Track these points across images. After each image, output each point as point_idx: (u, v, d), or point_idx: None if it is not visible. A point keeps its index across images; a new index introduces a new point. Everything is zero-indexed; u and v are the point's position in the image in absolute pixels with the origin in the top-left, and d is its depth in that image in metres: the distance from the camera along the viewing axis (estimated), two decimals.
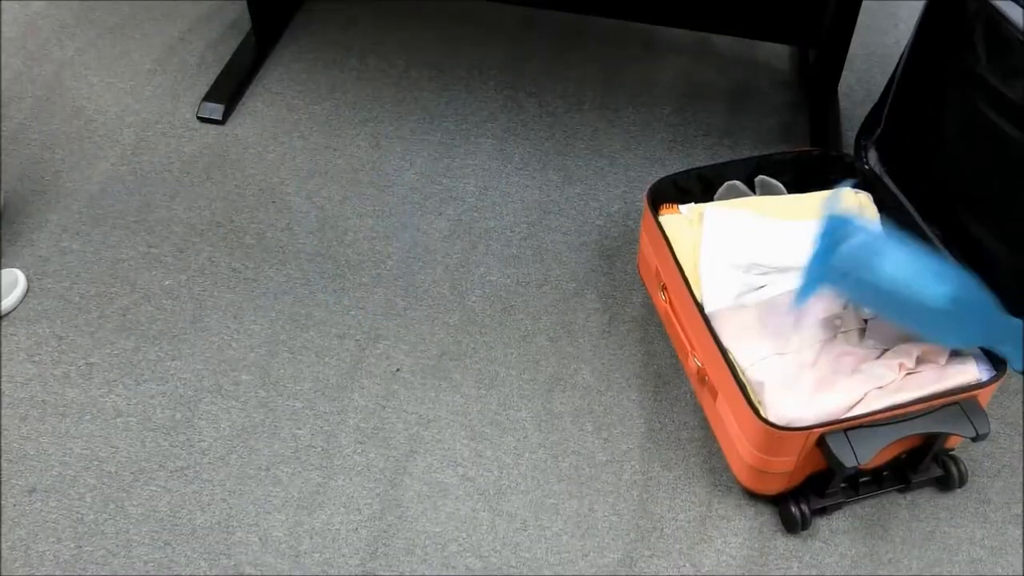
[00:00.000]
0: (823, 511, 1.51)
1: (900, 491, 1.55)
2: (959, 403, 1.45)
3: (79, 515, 1.50)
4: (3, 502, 1.50)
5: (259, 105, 2.18)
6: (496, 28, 2.36)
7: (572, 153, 2.07)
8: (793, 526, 1.49)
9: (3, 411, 1.62)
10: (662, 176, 1.76)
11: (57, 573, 1.43)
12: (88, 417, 1.61)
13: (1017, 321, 1.53)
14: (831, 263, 1.44)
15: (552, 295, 1.81)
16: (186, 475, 1.54)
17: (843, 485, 1.50)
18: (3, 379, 1.66)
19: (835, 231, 1.47)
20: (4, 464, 1.55)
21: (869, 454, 1.39)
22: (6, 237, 1.88)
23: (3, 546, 1.45)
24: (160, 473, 1.54)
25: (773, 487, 1.51)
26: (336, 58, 2.29)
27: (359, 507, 1.51)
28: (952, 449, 1.57)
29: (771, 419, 1.41)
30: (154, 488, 1.53)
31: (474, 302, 1.80)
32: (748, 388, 1.47)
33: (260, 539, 1.47)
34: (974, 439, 1.43)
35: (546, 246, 1.89)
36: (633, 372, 1.69)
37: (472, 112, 2.16)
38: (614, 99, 2.19)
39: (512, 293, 1.82)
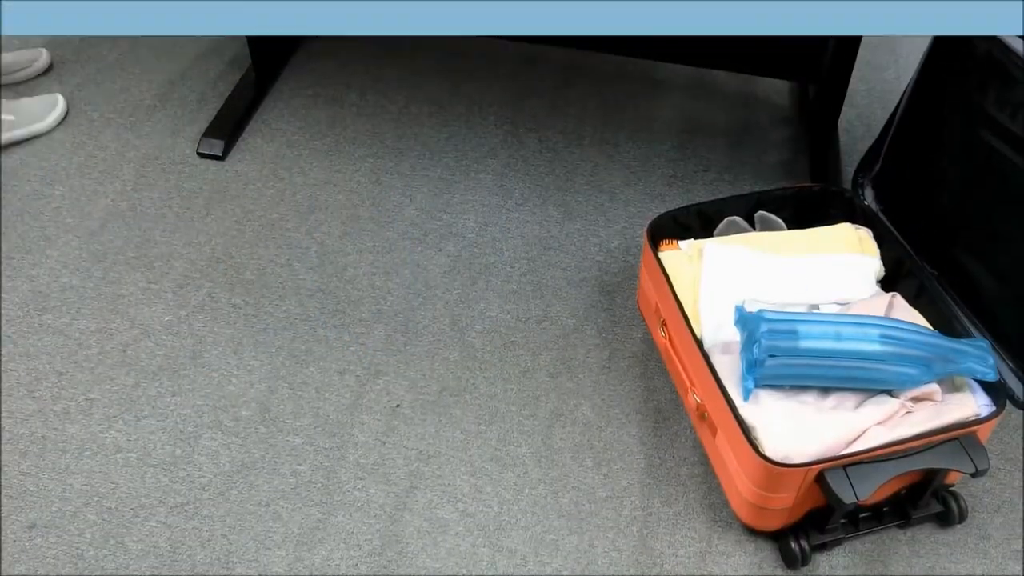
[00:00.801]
0: (823, 547, 1.51)
1: (900, 527, 1.55)
2: (959, 439, 1.45)
3: (79, 551, 1.49)
4: (3, 538, 1.50)
5: (259, 141, 2.20)
6: (496, 65, 2.38)
7: (572, 189, 2.08)
8: (793, 562, 1.48)
9: (3, 447, 1.61)
10: (662, 212, 1.77)
11: None
12: (88, 453, 1.61)
13: (976, 339, 1.53)
14: (754, 359, 1.46)
15: (552, 331, 1.82)
16: (186, 511, 1.54)
17: (843, 521, 1.50)
18: (3, 415, 1.66)
19: (747, 329, 1.49)
20: (4, 500, 1.54)
21: (868, 490, 1.39)
22: (6, 272, 1.89)
23: None
24: (160, 509, 1.54)
25: (773, 523, 1.50)
26: (336, 94, 2.31)
27: (359, 543, 1.51)
28: (952, 485, 1.57)
29: (769, 455, 1.41)
30: (154, 524, 1.52)
31: (474, 338, 1.80)
32: (746, 424, 1.47)
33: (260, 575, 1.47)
34: (973, 475, 1.43)
35: (546, 282, 1.90)
36: (633, 408, 1.70)
37: (472, 148, 2.17)
38: (614, 135, 2.20)
39: (512, 329, 1.82)
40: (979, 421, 1.47)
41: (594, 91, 2.32)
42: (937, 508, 1.54)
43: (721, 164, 2.14)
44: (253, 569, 1.47)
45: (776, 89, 2.34)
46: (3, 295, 1.85)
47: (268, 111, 2.27)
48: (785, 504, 1.45)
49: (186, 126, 2.23)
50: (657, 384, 1.73)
